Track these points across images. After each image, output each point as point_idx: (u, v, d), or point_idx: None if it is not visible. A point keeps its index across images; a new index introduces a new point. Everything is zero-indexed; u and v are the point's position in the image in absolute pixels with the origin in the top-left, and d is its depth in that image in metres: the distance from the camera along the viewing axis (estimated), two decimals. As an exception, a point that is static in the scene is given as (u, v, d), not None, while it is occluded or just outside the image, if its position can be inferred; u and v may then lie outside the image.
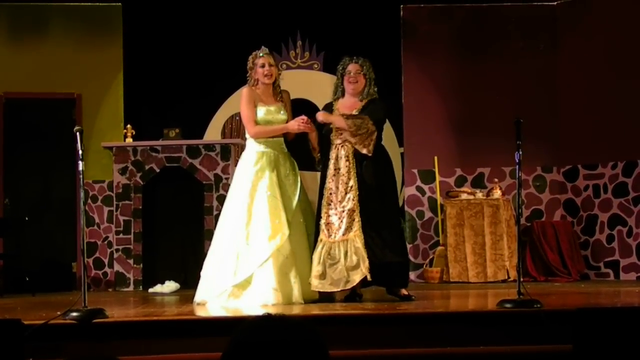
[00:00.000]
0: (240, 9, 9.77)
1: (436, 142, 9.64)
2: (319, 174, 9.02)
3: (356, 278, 6.04)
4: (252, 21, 9.71)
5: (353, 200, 6.16)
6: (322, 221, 6.22)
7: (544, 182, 9.71)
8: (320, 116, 6.36)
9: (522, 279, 5.32)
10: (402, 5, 9.74)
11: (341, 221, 6.15)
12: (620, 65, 9.31)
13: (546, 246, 9.18)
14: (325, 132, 6.39)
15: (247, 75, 6.62)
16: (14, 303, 7.14)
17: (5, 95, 9.59)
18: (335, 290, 6.11)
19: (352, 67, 6.43)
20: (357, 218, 6.13)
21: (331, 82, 9.85)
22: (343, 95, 6.49)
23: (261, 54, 6.53)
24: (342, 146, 6.28)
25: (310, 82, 9.80)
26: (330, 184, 6.27)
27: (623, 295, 6.77)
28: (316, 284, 6.12)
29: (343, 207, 6.17)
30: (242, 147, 9.61)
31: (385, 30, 9.73)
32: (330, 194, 6.25)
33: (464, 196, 9.18)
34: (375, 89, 6.48)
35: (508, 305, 5.09)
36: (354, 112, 6.34)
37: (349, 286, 6.08)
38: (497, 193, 9.12)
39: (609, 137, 9.31)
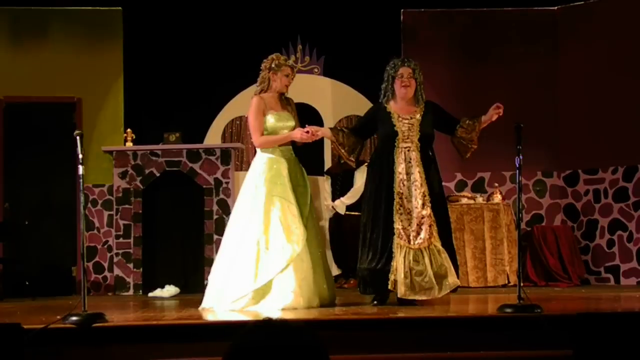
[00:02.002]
0: (241, 13, 9.78)
1: (436, 146, 9.56)
2: (320, 178, 9.03)
3: (446, 288, 6.02)
4: (253, 25, 9.72)
5: (428, 206, 6.10)
6: (397, 226, 6.10)
7: (544, 186, 9.70)
8: (315, 134, 6.31)
9: (522, 284, 5.31)
10: (402, 10, 9.75)
11: (420, 227, 6.07)
12: (621, 70, 9.31)
13: (546, 251, 9.17)
14: (385, 133, 6.29)
15: (263, 74, 6.55)
16: (13, 307, 7.14)
17: (5, 99, 9.59)
18: (425, 298, 6.02)
19: (404, 70, 6.31)
20: (434, 225, 6.09)
21: (331, 86, 9.99)
22: (393, 97, 6.38)
23: (289, 63, 6.54)
24: (408, 150, 6.21)
25: (311, 87, 9.81)
26: (401, 188, 6.15)
27: (623, 300, 6.77)
28: (403, 292, 6.00)
29: (422, 214, 6.08)
30: (242, 152, 9.66)
31: (386, 34, 9.73)
32: (401, 198, 6.14)
33: (464, 201, 9.17)
34: (424, 92, 6.43)
35: (508, 310, 5.08)
36: (417, 117, 6.27)
37: (439, 295, 6.01)
38: (497, 198, 9.12)
39: (609, 141, 9.31)
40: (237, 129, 9.85)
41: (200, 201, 9.27)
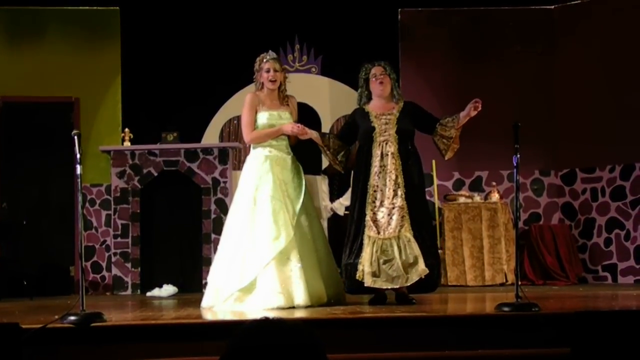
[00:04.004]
0: (239, 13, 9.78)
1: (434, 145, 9.62)
2: (317, 177, 9.03)
3: (414, 276, 5.99)
4: (250, 25, 9.73)
5: (401, 197, 6.13)
6: (368, 218, 6.14)
7: (541, 185, 9.71)
8: (302, 130, 6.33)
9: (520, 283, 5.32)
10: (400, 9, 9.76)
11: (390, 217, 6.10)
12: (618, 68, 9.32)
13: (544, 250, 9.18)
14: (364, 130, 6.34)
15: (254, 77, 6.59)
16: (11, 307, 7.13)
17: (3, 99, 9.59)
18: (390, 287, 6.04)
19: (376, 70, 6.40)
20: (406, 215, 6.10)
21: (329, 85, 10.00)
22: (369, 100, 6.46)
23: (267, 59, 6.50)
24: (386, 143, 6.25)
25: (308, 86, 9.82)
26: (375, 181, 6.20)
27: (621, 298, 6.77)
28: (369, 281, 6.02)
29: (393, 204, 6.12)
30: (240, 151, 9.66)
31: (383, 34, 9.74)
32: (375, 191, 6.19)
33: (461, 200, 9.18)
34: (400, 91, 6.51)
35: (506, 309, 5.08)
36: (394, 113, 6.32)
37: (407, 284, 6.00)
38: (495, 196, 9.13)
39: (606, 140, 9.33)
40: (235, 129, 9.86)
41: (198, 201, 9.28)
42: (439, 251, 9.13)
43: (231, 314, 5.88)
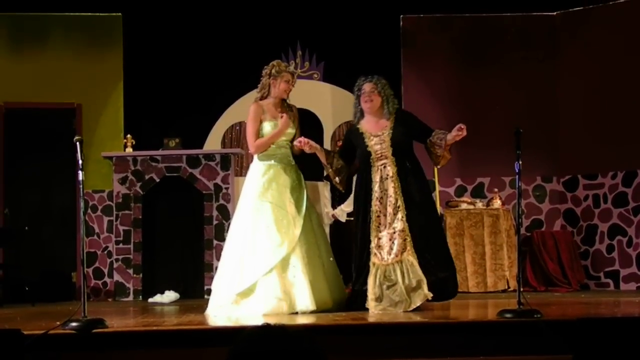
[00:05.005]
0: (241, 19, 9.79)
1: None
2: (319, 183, 9.03)
3: (417, 300, 6.00)
4: (253, 31, 9.74)
5: (402, 219, 6.14)
6: (372, 245, 6.17)
7: (543, 192, 9.71)
8: (306, 145, 6.33)
9: (522, 289, 5.31)
10: (401, 16, 9.76)
11: (392, 242, 6.12)
12: (620, 74, 9.32)
13: (546, 256, 9.18)
14: (361, 154, 6.36)
15: (262, 81, 6.58)
16: (13, 313, 7.14)
17: (5, 105, 9.60)
18: (394, 311, 6.01)
19: (366, 86, 6.38)
20: (408, 238, 6.11)
21: (331, 91, 10.00)
22: (363, 115, 6.45)
23: (290, 70, 6.56)
24: (384, 166, 6.26)
25: (310, 92, 9.82)
26: (377, 206, 6.21)
27: (623, 305, 6.76)
28: (373, 307, 6.04)
29: (393, 228, 6.13)
30: (242, 157, 9.67)
31: (385, 40, 9.75)
32: (378, 216, 6.20)
33: (463, 206, 9.18)
34: (396, 102, 6.47)
35: (508, 315, 5.08)
36: (386, 132, 6.31)
37: (411, 308, 6.00)
38: (497, 203, 9.12)
39: (608, 147, 9.32)
40: (237, 135, 9.86)
41: (200, 207, 9.28)
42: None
43: (233, 320, 5.88)
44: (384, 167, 6.25)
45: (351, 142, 6.48)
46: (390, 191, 6.19)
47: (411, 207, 6.18)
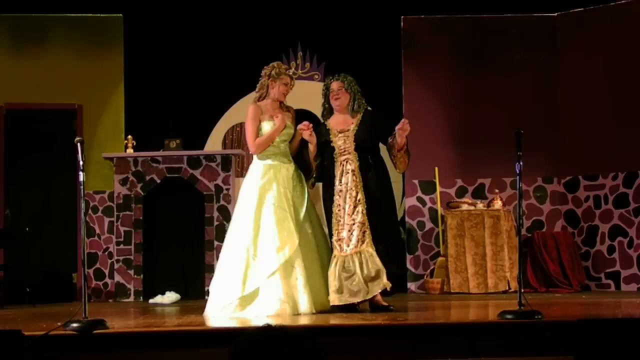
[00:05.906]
0: (241, 19, 9.79)
1: (437, 152, 9.65)
2: (320, 184, 9.05)
3: (376, 289, 6.12)
4: (253, 32, 9.74)
5: (362, 212, 6.23)
6: (334, 238, 6.28)
7: (544, 193, 9.70)
8: (308, 131, 6.38)
9: (522, 290, 5.31)
10: (402, 17, 9.76)
11: (351, 233, 6.21)
12: (621, 75, 9.32)
13: (547, 257, 9.17)
14: (325, 150, 6.45)
15: (261, 82, 6.59)
16: (14, 314, 7.14)
17: (6, 106, 9.60)
18: (354, 301, 6.12)
19: (334, 85, 6.52)
20: (367, 230, 6.21)
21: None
22: (331, 114, 6.56)
23: (289, 73, 6.62)
24: (347, 162, 6.36)
25: (311, 93, 9.79)
26: (338, 200, 6.32)
27: (624, 306, 6.76)
28: (334, 298, 6.15)
29: (353, 219, 6.23)
30: (242, 158, 9.67)
31: (386, 41, 9.75)
32: (339, 210, 6.30)
33: (464, 207, 9.17)
34: (364, 101, 6.56)
35: (509, 316, 5.08)
36: (351, 128, 6.41)
37: (369, 297, 6.12)
38: (497, 204, 9.12)
39: (609, 148, 9.32)
40: (238, 136, 9.86)
41: (200, 208, 9.28)
42: (442, 258, 9.17)
43: (234, 321, 5.88)
44: (347, 162, 6.36)
45: (319, 139, 6.54)
46: (351, 184, 6.30)
47: (370, 202, 6.27)
